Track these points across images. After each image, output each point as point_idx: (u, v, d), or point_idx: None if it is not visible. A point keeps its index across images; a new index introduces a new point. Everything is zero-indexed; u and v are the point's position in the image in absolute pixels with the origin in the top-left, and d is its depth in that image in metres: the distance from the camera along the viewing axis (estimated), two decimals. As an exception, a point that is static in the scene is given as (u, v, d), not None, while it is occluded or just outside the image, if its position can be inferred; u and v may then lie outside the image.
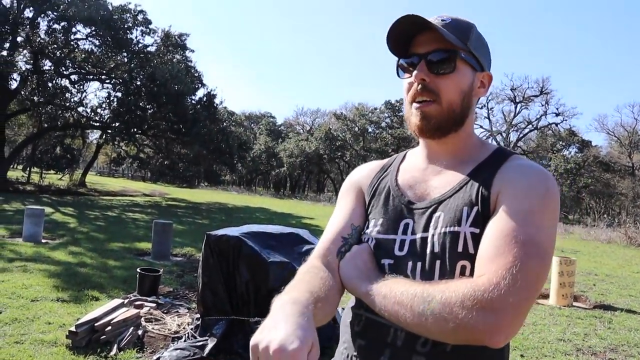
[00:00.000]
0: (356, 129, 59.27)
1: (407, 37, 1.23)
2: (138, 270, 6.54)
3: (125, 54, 28.57)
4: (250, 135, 61.10)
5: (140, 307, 5.73)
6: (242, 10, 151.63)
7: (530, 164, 1.18)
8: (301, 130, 68.67)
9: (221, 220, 19.06)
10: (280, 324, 0.90)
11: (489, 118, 51.65)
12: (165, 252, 9.55)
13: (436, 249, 1.14)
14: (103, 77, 28.90)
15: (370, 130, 60.31)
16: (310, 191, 68.21)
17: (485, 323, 0.96)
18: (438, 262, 1.12)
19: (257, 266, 5.04)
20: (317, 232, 11.09)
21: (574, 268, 8.38)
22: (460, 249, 1.11)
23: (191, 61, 32.68)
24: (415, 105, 1.22)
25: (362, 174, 1.43)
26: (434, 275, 1.11)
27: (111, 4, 27.93)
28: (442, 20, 1.22)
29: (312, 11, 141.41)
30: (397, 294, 1.06)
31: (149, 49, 30.18)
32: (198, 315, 5.25)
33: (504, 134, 51.37)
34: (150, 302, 6.06)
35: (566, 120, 49.17)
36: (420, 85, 1.19)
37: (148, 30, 30.03)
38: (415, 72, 1.19)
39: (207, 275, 5.09)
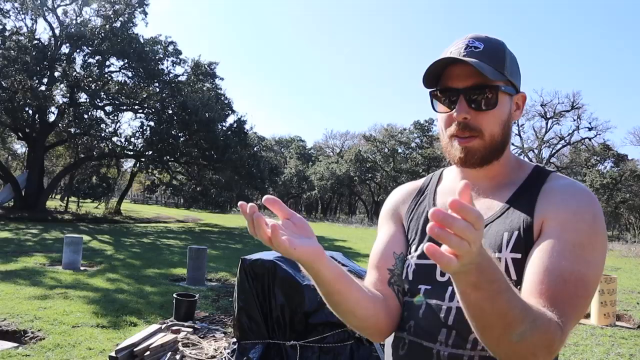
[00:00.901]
0: (386, 150, 59.22)
1: (439, 66, 1.18)
2: (174, 295, 6.63)
3: (157, 84, 29.37)
4: (281, 159, 61.62)
5: (177, 332, 5.79)
6: (268, 35, 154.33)
7: (573, 184, 1.15)
8: (331, 153, 68.94)
9: (254, 244, 19.14)
10: None
11: (519, 135, 50.95)
12: (200, 277, 9.64)
13: None
14: (136, 107, 29.68)
15: (400, 150, 60.19)
16: (341, 213, 68.11)
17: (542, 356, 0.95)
18: None
19: (292, 290, 5.04)
20: (350, 254, 11.06)
21: (615, 286, 8.15)
22: None
23: (221, 89, 33.41)
24: (457, 140, 1.18)
25: (399, 198, 1.40)
26: None
27: (142, 36, 28.93)
28: (475, 47, 1.15)
29: (337, 34, 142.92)
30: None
31: (179, 78, 31.00)
32: (234, 340, 5.26)
33: (536, 151, 50.59)
34: (187, 327, 6.12)
35: (600, 134, 48.19)
36: (462, 124, 1.16)
37: (178, 61, 30.90)
38: (455, 111, 1.15)
39: (242, 299, 5.11)
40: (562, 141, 50.23)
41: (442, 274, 1.16)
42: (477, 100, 1.14)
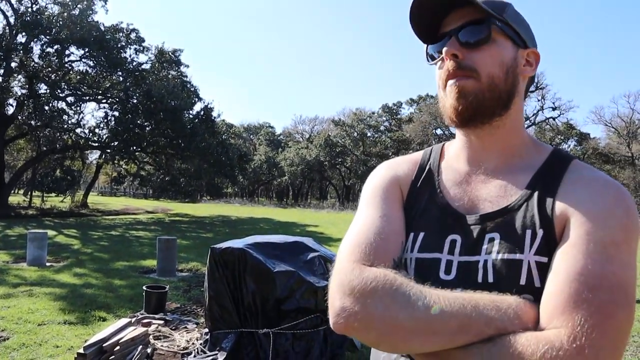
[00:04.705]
0: (355, 134, 59.37)
1: (434, 19, 1.06)
2: (144, 288, 6.51)
3: (120, 73, 28.70)
4: (250, 146, 61.23)
5: (148, 325, 5.69)
6: (233, 23, 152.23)
7: (599, 176, 0.98)
8: (300, 139, 68.82)
9: (225, 233, 19.02)
10: None
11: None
12: (171, 268, 9.50)
13: (490, 279, 0.93)
14: (99, 97, 29.00)
15: (369, 134, 60.44)
16: (312, 199, 68.22)
17: None
18: None
19: (263, 277, 5.00)
20: (321, 239, 11.03)
21: None
22: (523, 281, 0.91)
23: (186, 76, 32.85)
24: (450, 82, 1.02)
25: (401, 170, 1.17)
26: None
27: (103, 24, 28.11)
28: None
29: (302, 21, 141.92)
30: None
31: (143, 66, 30.33)
32: (207, 330, 5.20)
33: (503, 131, 51.24)
34: (158, 319, 6.02)
35: (563, 114, 49.12)
36: (452, 63, 1.01)
37: (141, 48, 30.21)
38: (444, 49, 1.01)
39: (213, 289, 5.04)
40: (528, 121, 50.98)
41: (448, 271, 0.98)
42: (467, 36, 1.01)
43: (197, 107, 31.21)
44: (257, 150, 63.82)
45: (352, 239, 1.04)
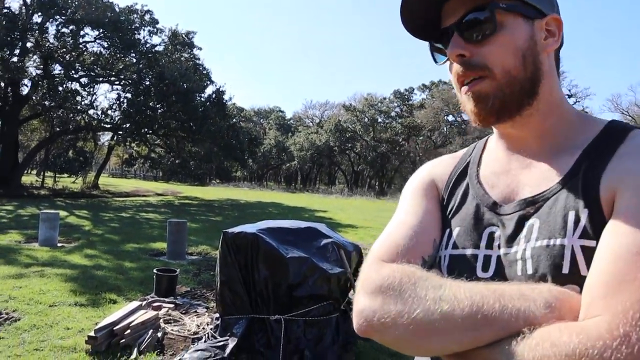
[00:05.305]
0: (366, 119, 59.13)
1: (430, 11, 0.94)
2: (155, 271, 6.47)
3: (133, 55, 28.66)
4: (260, 130, 61.19)
5: (159, 308, 5.66)
6: (245, 7, 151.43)
7: None
8: (310, 124, 68.68)
9: (234, 216, 19.03)
10: None
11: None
12: (181, 251, 9.48)
13: (529, 270, 0.83)
14: (112, 78, 29.01)
15: (379, 120, 60.18)
16: (321, 184, 68.26)
17: None
18: None
19: (275, 262, 4.93)
20: (331, 224, 10.98)
21: None
22: (566, 269, 0.79)
23: (199, 59, 32.79)
24: (463, 89, 0.92)
25: (440, 167, 1.10)
26: None
27: (118, 5, 28.02)
28: None
29: (314, 5, 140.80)
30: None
31: (156, 48, 30.29)
32: (217, 315, 5.16)
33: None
34: (168, 303, 5.99)
35: (579, 101, 48.62)
36: (460, 64, 0.91)
37: (155, 30, 30.14)
38: (448, 50, 0.91)
39: (225, 273, 4.99)
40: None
41: (485, 268, 0.89)
42: (470, 29, 0.89)
43: (209, 90, 31.22)
44: (266, 134, 63.77)
45: (383, 239, 0.99)
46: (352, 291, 5.62)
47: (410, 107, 58.86)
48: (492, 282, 0.80)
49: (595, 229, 0.78)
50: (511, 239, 0.88)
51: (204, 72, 31.50)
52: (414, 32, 0.97)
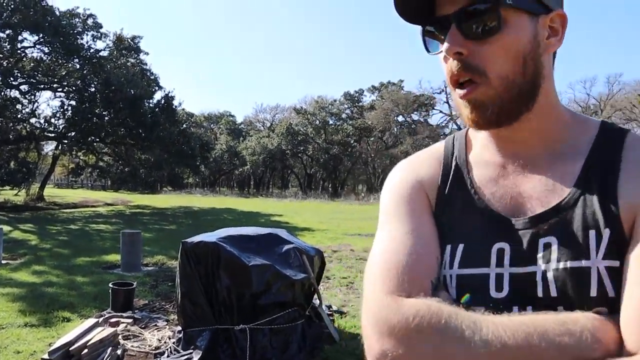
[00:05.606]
0: (317, 122, 59.29)
1: None
2: (110, 285, 6.23)
3: (77, 60, 27.69)
4: (211, 135, 60.37)
5: (117, 324, 5.43)
6: (195, 10, 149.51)
7: None
8: (262, 128, 68.35)
9: (189, 224, 18.67)
10: None
11: (448, 103, 52.30)
12: (136, 262, 9.19)
13: (553, 292, 0.79)
14: (55, 85, 27.98)
15: (331, 122, 60.47)
16: (274, 188, 68.00)
17: None
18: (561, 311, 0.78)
19: (237, 271, 4.85)
20: (287, 228, 10.88)
21: None
22: (594, 292, 0.77)
23: (146, 64, 32.01)
24: (459, 91, 0.85)
25: (423, 170, 0.98)
26: None
27: (58, 9, 26.98)
28: None
29: (263, 8, 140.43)
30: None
31: (101, 53, 29.34)
32: (179, 328, 5.01)
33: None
34: (126, 317, 5.77)
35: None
36: (457, 63, 0.83)
37: (99, 35, 29.19)
38: (445, 45, 0.83)
39: (185, 285, 4.85)
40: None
41: (499, 288, 0.82)
42: (471, 24, 0.81)
43: (158, 95, 30.52)
44: (218, 139, 63.04)
45: (380, 263, 0.88)
46: (315, 296, 5.56)
47: (361, 109, 59.39)
48: (526, 315, 0.76)
49: (618, 248, 0.77)
50: (526, 258, 0.82)
51: (152, 77, 30.81)
52: (404, 13, 0.88)
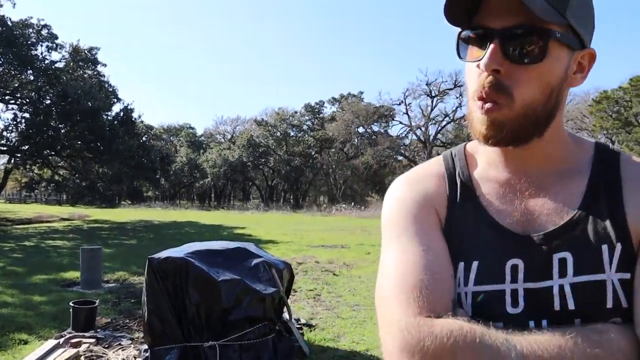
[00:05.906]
0: (278, 133, 59.31)
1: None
2: (71, 304, 5.99)
3: (30, 72, 26.99)
4: (171, 148, 59.59)
5: (78, 345, 5.23)
6: (149, 22, 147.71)
7: None
8: (222, 140, 67.86)
9: (150, 238, 18.28)
10: None
11: (407, 114, 53.12)
12: (96, 279, 8.89)
13: (571, 305, 0.81)
14: (7, 97, 27.16)
15: (292, 134, 60.61)
16: (236, 200, 67.56)
17: None
18: (578, 324, 0.81)
19: (207, 286, 4.75)
20: (251, 240, 10.73)
21: None
22: (610, 304, 0.81)
23: (104, 76, 31.53)
24: (478, 104, 0.85)
25: (428, 187, 0.97)
26: None
27: (10, 19, 26.26)
28: None
29: (222, 20, 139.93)
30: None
31: (57, 65, 28.69)
32: (145, 347, 4.86)
33: (423, 128, 53.02)
34: (89, 337, 5.55)
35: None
36: (490, 80, 0.83)
37: (55, 46, 28.63)
38: (484, 59, 0.82)
39: (152, 302, 4.72)
40: (447, 118, 52.86)
41: (514, 303, 0.83)
42: (516, 47, 0.81)
43: (116, 108, 30.05)
44: (178, 152, 62.27)
45: (399, 284, 0.85)
46: (285, 310, 5.49)
47: (322, 120, 59.71)
48: (555, 332, 0.77)
49: (628, 261, 0.82)
50: (541, 273, 0.84)
51: (110, 89, 30.32)
52: (450, 14, 0.86)
